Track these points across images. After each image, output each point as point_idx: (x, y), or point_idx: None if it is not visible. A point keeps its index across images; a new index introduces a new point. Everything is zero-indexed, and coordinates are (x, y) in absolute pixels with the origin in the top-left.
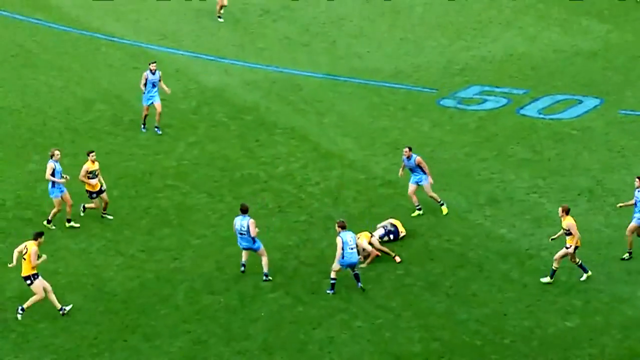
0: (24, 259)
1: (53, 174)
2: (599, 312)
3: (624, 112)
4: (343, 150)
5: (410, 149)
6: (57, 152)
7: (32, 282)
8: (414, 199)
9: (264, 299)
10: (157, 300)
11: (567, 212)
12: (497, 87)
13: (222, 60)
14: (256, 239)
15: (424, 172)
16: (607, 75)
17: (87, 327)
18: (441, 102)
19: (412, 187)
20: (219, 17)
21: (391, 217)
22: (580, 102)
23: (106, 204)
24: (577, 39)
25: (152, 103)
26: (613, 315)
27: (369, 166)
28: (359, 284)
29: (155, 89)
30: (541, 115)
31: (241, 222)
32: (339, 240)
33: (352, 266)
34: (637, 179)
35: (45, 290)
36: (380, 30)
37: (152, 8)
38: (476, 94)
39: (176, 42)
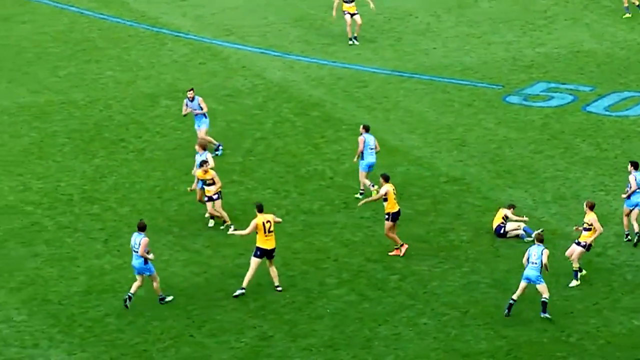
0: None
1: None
2: None
3: None
4: (409, 147)
5: (364, 128)
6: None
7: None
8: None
9: (329, 296)
10: (222, 295)
11: (592, 207)
12: (563, 83)
13: (288, 56)
14: (150, 263)
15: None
16: None
17: (153, 322)
18: (507, 99)
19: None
20: (354, 38)
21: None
22: None
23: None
24: (630, 37)
25: (199, 127)
26: None
27: (434, 163)
28: (543, 313)
29: (199, 115)
30: (607, 113)
31: (135, 239)
32: (526, 253)
33: (532, 282)
34: (630, 164)
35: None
36: (446, 26)
37: (217, 3)
38: (542, 91)
39: (241, 37)
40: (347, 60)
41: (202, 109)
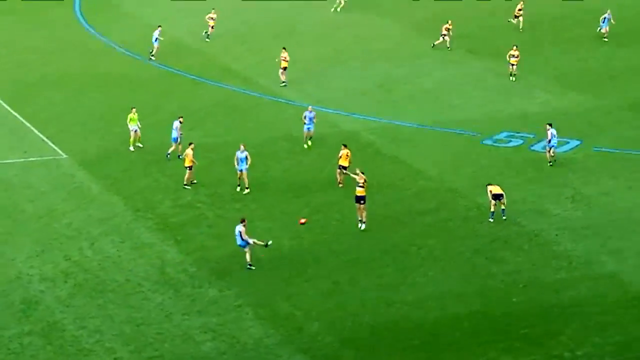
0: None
1: None
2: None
3: (597, 149)
4: (426, 168)
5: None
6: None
7: None
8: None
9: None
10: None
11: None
12: (517, 132)
13: (355, 115)
14: (245, 240)
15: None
16: (583, 125)
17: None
18: (484, 142)
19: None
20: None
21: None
22: (567, 142)
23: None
24: (560, 103)
25: (176, 142)
26: None
27: (440, 177)
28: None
29: (178, 134)
30: (543, 150)
31: (237, 227)
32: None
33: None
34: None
35: None
36: (450, 98)
37: (331, 84)
38: (505, 137)
39: (334, 105)
40: (391, 118)
41: (179, 131)
